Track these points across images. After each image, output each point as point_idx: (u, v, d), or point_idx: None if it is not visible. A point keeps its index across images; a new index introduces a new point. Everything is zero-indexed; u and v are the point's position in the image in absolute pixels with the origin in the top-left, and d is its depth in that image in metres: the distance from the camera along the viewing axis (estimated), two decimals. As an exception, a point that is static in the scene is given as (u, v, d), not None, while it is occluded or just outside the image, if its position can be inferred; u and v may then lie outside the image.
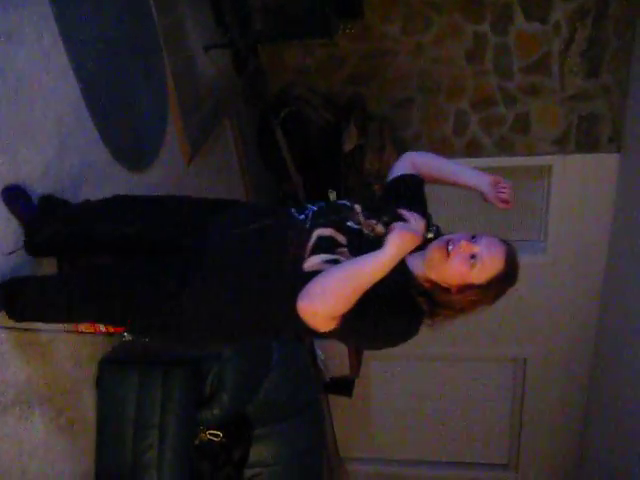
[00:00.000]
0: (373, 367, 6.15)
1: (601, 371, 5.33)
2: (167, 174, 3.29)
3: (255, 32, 3.84)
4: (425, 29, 4.36)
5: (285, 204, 4.85)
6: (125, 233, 1.94)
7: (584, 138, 4.55)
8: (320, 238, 1.65)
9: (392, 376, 6.31)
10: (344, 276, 1.47)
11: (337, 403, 5.91)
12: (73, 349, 2.47)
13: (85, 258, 2.28)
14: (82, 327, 2.34)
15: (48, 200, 2.18)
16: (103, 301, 1.86)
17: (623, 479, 4.74)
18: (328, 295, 1.45)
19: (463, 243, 1.52)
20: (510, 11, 4.21)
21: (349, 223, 1.68)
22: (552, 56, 4.30)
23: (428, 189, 1.97)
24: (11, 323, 2.03)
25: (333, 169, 4.48)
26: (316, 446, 3.49)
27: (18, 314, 2.00)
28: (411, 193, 1.89)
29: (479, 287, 1.53)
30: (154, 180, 3.13)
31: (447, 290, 1.56)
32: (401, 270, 1.58)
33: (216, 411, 2.82)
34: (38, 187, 2.20)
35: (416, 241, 1.47)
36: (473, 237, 1.54)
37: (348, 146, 4.44)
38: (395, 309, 1.56)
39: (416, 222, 1.53)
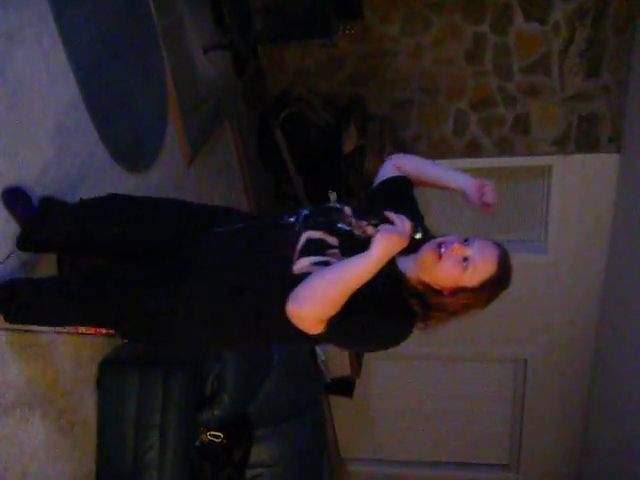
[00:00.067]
0: (374, 368, 6.14)
1: (601, 371, 5.33)
2: (167, 175, 3.29)
3: (255, 33, 3.84)
4: (425, 30, 4.36)
5: (285, 205, 4.86)
6: (119, 234, 1.94)
7: (584, 138, 4.55)
8: (309, 241, 1.65)
9: (393, 377, 6.31)
10: (331, 278, 1.46)
11: (338, 404, 5.92)
12: (73, 350, 2.47)
13: (84, 259, 2.29)
14: (82, 328, 2.34)
15: (48, 202, 2.18)
16: (99, 304, 1.86)
17: (623, 479, 4.74)
18: (315, 298, 1.45)
19: (456, 246, 1.51)
20: (510, 11, 4.21)
21: (340, 225, 1.68)
22: (552, 56, 4.30)
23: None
24: (12, 325, 2.03)
25: (333, 170, 4.48)
26: (317, 447, 3.49)
27: (13, 316, 2.01)
28: (400, 195, 1.89)
29: (472, 290, 1.53)
30: (154, 181, 3.13)
31: (439, 293, 1.56)
32: (392, 272, 1.58)
33: (217, 412, 2.83)
34: (38, 188, 2.20)
35: (402, 242, 1.47)
36: (466, 240, 1.54)
37: (348, 147, 4.44)
38: (385, 311, 1.55)
39: (402, 223, 1.52)
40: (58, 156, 2.36)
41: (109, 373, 2.64)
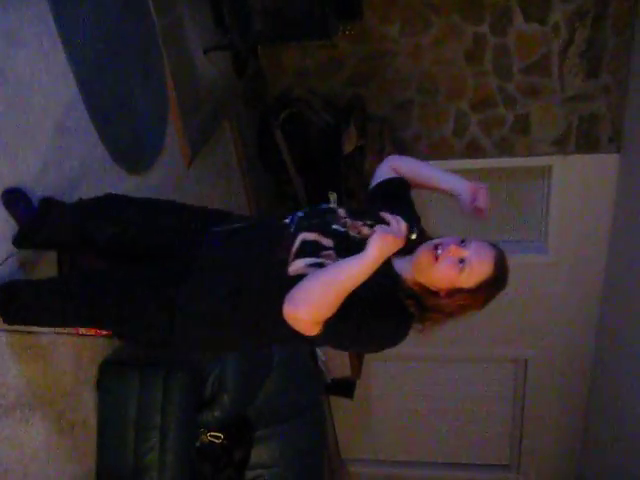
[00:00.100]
0: (374, 368, 6.15)
1: (601, 372, 5.33)
2: (167, 176, 3.29)
3: (255, 33, 3.84)
4: (424, 30, 4.36)
5: (285, 205, 4.86)
6: (118, 234, 1.94)
7: (584, 138, 4.55)
8: (304, 242, 1.65)
9: (393, 377, 6.32)
10: (327, 280, 1.46)
11: (338, 404, 5.92)
12: (74, 351, 2.47)
13: (84, 259, 2.29)
14: (82, 330, 2.34)
15: (48, 202, 2.18)
16: (99, 304, 1.86)
17: (623, 479, 4.74)
18: (311, 300, 1.44)
19: (452, 247, 1.51)
20: (509, 12, 4.21)
21: (335, 226, 1.68)
22: (552, 57, 4.30)
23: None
24: (12, 326, 2.03)
25: (333, 171, 4.48)
26: (317, 447, 3.49)
27: (13, 317, 2.01)
28: (397, 196, 1.89)
29: (468, 291, 1.53)
30: (154, 182, 3.13)
31: (436, 294, 1.56)
32: (387, 273, 1.58)
33: (217, 413, 2.82)
34: (37, 188, 2.20)
35: (398, 243, 1.47)
36: (462, 241, 1.54)
37: (348, 147, 4.44)
38: (381, 312, 1.55)
39: (397, 224, 1.52)
40: (58, 156, 2.36)
41: (109, 374, 2.64)
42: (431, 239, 1.61)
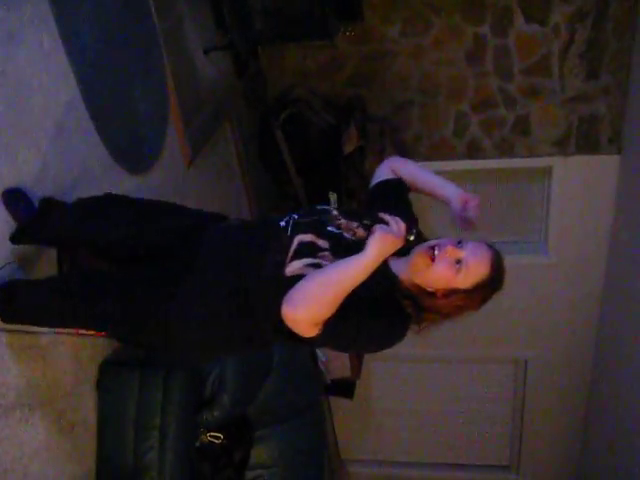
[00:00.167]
0: (374, 369, 6.14)
1: (601, 372, 5.33)
2: (167, 176, 3.29)
3: (255, 34, 3.85)
4: (425, 31, 4.36)
5: (286, 206, 4.86)
6: (118, 234, 1.95)
7: (584, 139, 4.55)
8: (301, 244, 1.65)
9: (393, 378, 6.31)
10: (325, 280, 1.46)
11: (338, 405, 5.92)
12: (73, 351, 2.47)
13: (84, 259, 2.29)
14: (82, 329, 2.34)
15: (48, 202, 2.18)
16: (99, 304, 1.86)
17: (623, 479, 4.74)
18: (310, 300, 1.44)
19: (449, 248, 1.52)
20: (510, 13, 4.21)
21: (330, 228, 1.68)
22: (552, 58, 4.31)
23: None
24: (12, 326, 2.03)
25: (334, 171, 4.48)
26: (317, 448, 3.49)
27: (12, 317, 2.01)
28: (396, 197, 1.89)
29: (465, 292, 1.53)
30: (154, 182, 3.13)
31: (432, 295, 1.56)
32: (385, 274, 1.58)
33: (217, 413, 2.82)
34: (37, 189, 2.21)
35: (397, 243, 1.47)
36: (459, 242, 1.54)
37: (348, 148, 4.44)
38: (379, 312, 1.55)
39: (397, 224, 1.52)
40: (58, 157, 2.36)
41: (109, 374, 2.64)
42: (428, 240, 1.61)
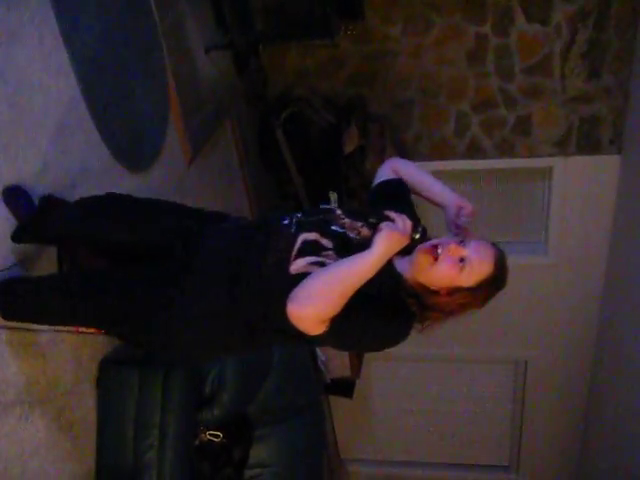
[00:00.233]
0: (374, 368, 6.15)
1: (601, 372, 5.33)
2: (168, 175, 3.29)
3: (256, 33, 3.85)
4: (426, 30, 4.36)
5: (286, 205, 4.86)
6: (118, 234, 1.95)
7: (585, 140, 4.55)
8: (305, 242, 1.65)
9: (393, 377, 6.32)
10: (331, 278, 1.46)
11: (338, 404, 5.92)
12: (73, 349, 2.47)
13: (84, 258, 2.29)
14: (82, 327, 2.34)
15: (48, 200, 2.18)
16: (99, 303, 1.86)
17: (623, 479, 4.74)
18: (316, 298, 1.44)
19: (452, 246, 1.52)
20: (511, 12, 4.21)
21: (333, 227, 1.68)
22: (553, 58, 4.30)
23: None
24: (12, 323, 2.04)
25: (334, 170, 4.48)
26: (316, 447, 3.49)
27: (12, 314, 2.01)
28: (398, 197, 1.89)
29: (468, 290, 1.53)
30: (155, 181, 3.13)
31: (436, 293, 1.56)
32: (389, 272, 1.59)
33: (216, 411, 2.82)
34: (38, 187, 2.21)
35: (403, 241, 1.48)
36: (462, 240, 1.55)
37: (349, 147, 4.44)
38: (384, 311, 1.55)
39: (403, 222, 1.53)
40: (59, 155, 2.37)
41: (109, 372, 2.64)
42: (431, 239, 1.62)
